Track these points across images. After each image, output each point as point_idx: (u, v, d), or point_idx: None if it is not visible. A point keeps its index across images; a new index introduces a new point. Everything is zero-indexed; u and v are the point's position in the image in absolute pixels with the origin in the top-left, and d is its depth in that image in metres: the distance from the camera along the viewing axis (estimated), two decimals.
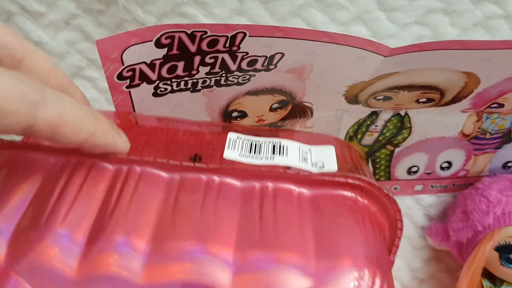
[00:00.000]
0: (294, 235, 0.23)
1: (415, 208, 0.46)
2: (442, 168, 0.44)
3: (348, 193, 0.26)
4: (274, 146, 0.30)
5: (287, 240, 0.23)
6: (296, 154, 0.29)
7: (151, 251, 0.23)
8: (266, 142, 0.30)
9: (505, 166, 0.44)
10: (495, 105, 0.38)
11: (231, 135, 0.30)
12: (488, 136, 0.41)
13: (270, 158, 0.29)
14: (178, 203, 0.25)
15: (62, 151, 0.26)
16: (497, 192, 0.42)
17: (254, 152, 0.29)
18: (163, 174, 0.26)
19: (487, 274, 0.44)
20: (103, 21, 0.37)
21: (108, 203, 0.24)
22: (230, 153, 0.28)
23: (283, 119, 0.37)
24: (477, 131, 0.41)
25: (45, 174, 0.25)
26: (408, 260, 0.48)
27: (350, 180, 0.26)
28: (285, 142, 0.30)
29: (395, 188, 0.45)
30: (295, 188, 0.26)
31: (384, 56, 0.29)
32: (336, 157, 0.30)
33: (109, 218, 0.23)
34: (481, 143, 0.42)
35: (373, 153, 0.41)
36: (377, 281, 0.22)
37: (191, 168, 0.26)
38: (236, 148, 0.29)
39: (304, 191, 0.26)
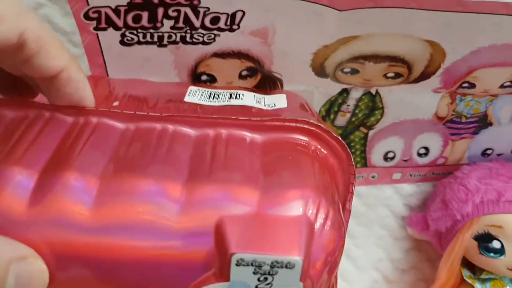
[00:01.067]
0: (244, 171, 0.24)
1: (395, 198, 0.46)
2: (419, 155, 0.43)
3: (299, 136, 0.26)
4: (231, 94, 0.31)
5: (236, 175, 0.23)
6: (250, 99, 0.31)
7: (99, 190, 0.23)
8: (224, 92, 0.32)
9: (484, 153, 0.44)
10: (467, 84, 0.38)
11: (192, 87, 0.31)
12: (463, 120, 0.41)
13: (227, 101, 0.30)
14: (131, 147, 0.25)
15: (22, 106, 0.27)
16: (476, 180, 0.41)
17: (213, 98, 0.31)
18: (118, 124, 0.26)
19: (466, 263, 0.43)
20: (69, 10, 0.38)
21: (63, 148, 0.25)
22: (190, 99, 0.29)
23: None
24: (452, 114, 0.40)
25: (2, 127, 0.26)
26: (388, 251, 0.47)
27: (300, 125, 0.26)
28: (242, 91, 0.32)
29: (373, 176, 0.44)
30: (248, 134, 0.26)
31: (339, 10, 0.29)
32: (287, 100, 0.31)
33: (63, 160, 0.24)
34: (457, 127, 0.41)
35: (347, 135, 0.41)
36: (322, 209, 0.22)
37: (145, 117, 0.26)
38: (196, 95, 0.30)
39: (257, 136, 0.26)
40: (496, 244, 0.40)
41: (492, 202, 0.40)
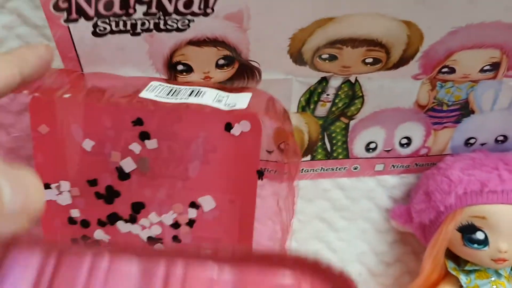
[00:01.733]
0: None
1: (378, 190, 0.45)
2: (401, 145, 0.43)
3: (287, 277, 0.18)
4: (192, 91, 0.31)
5: None
6: (211, 97, 0.30)
7: None
8: (186, 89, 0.31)
9: (467, 143, 0.43)
10: (446, 69, 0.37)
11: (154, 83, 0.31)
12: (445, 107, 0.40)
13: (185, 99, 0.29)
14: None
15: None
16: (459, 171, 0.41)
17: (172, 95, 0.30)
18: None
19: (451, 255, 0.42)
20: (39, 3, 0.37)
21: None
22: (146, 94, 0.28)
23: (231, 79, 0.36)
24: (433, 102, 0.40)
25: None
26: (372, 244, 0.46)
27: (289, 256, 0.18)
28: (205, 89, 0.31)
29: (355, 168, 0.44)
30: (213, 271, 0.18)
31: None
32: (251, 101, 0.30)
33: None
34: (439, 115, 0.41)
35: (328, 126, 0.40)
36: None
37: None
38: (155, 90, 0.29)
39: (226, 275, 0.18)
40: (480, 235, 0.40)
41: (475, 193, 0.39)
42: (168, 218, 0.39)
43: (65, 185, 0.38)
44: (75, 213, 0.39)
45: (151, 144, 0.36)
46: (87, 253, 0.17)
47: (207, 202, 0.38)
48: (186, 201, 0.38)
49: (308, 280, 0.17)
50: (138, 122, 0.35)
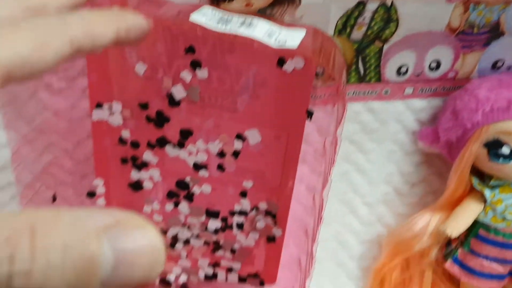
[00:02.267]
0: None
1: (406, 113, 0.47)
2: (431, 69, 0.45)
3: None
4: (244, 21, 0.30)
5: None
6: (263, 30, 0.30)
7: None
8: (237, 18, 0.31)
9: (494, 66, 0.45)
10: None
11: (206, 8, 0.31)
12: (475, 30, 0.42)
13: (236, 29, 0.29)
14: None
15: None
16: (486, 90, 0.43)
17: (222, 23, 0.30)
18: None
19: (476, 172, 0.45)
20: None
21: None
22: (197, 17, 0.29)
23: (272, 5, 0.38)
24: (464, 25, 0.41)
25: None
26: (399, 165, 0.49)
27: None
28: (257, 20, 0.31)
29: (386, 92, 0.46)
30: None
31: None
32: (303, 40, 0.30)
33: None
34: (469, 38, 0.42)
35: (362, 50, 0.42)
36: None
37: None
38: (205, 16, 0.30)
39: None
40: (505, 150, 0.42)
41: (501, 110, 0.42)
42: (214, 147, 0.40)
43: (117, 106, 0.39)
44: (125, 134, 0.41)
45: (202, 73, 0.37)
46: None
47: (253, 136, 0.39)
48: (232, 133, 0.39)
49: None
50: (190, 50, 0.36)
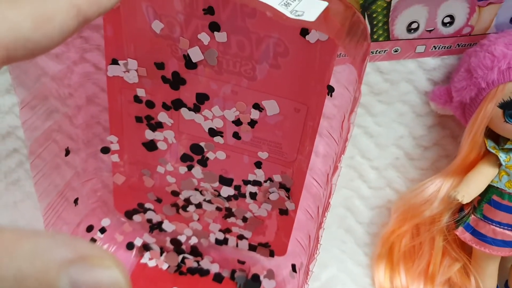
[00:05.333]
0: None
1: (418, 73, 0.44)
2: (444, 24, 0.42)
3: None
4: None
5: None
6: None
7: None
8: None
9: None
10: None
11: None
12: None
13: None
14: None
15: None
16: (503, 46, 0.40)
17: None
18: None
19: (490, 135, 0.43)
20: None
21: None
22: None
23: None
24: None
25: None
26: (411, 127, 0.46)
27: None
28: None
29: (396, 51, 0.43)
30: None
31: None
32: (324, 14, 0.28)
33: None
34: None
35: (369, 6, 0.40)
36: None
37: None
38: None
39: None
40: None
41: None
42: (231, 114, 0.39)
43: (132, 63, 0.38)
44: (141, 92, 0.39)
45: (221, 36, 0.35)
46: None
47: (271, 106, 0.38)
48: (250, 101, 0.38)
49: None
50: (209, 11, 0.34)
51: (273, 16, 0.27)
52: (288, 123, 0.38)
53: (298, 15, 0.28)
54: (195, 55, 0.36)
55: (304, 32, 0.33)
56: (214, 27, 0.35)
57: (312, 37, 0.33)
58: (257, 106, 0.38)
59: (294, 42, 0.34)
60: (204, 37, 0.35)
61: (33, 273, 0.13)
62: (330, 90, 0.35)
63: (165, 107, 0.40)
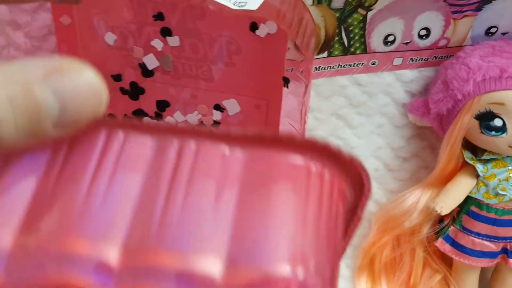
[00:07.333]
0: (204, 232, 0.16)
1: (396, 85, 0.45)
2: (420, 37, 0.42)
3: (298, 158, 0.17)
4: None
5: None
6: None
7: None
8: None
9: (488, 32, 0.42)
10: None
11: None
12: None
13: None
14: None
15: None
16: (478, 58, 0.40)
17: None
18: None
19: (468, 146, 0.43)
20: None
21: None
22: None
23: None
24: None
25: None
26: (389, 139, 0.46)
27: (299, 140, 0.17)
28: None
29: (373, 63, 0.43)
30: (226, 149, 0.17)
31: None
32: (267, 1, 0.28)
33: None
34: (459, 3, 0.40)
35: (345, 19, 0.40)
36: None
37: None
38: None
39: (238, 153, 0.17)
40: (497, 122, 0.40)
41: (494, 79, 0.39)
42: (193, 118, 0.39)
43: None
44: None
45: (173, 41, 0.35)
46: (101, 131, 0.17)
47: (232, 105, 0.38)
48: (210, 103, 0.38)
49: (318, 162, 0.17)
50: (159, 16, 0.34)
51: (216, 9, 0.28)
52: (251, 120, 0.39)
53: (241, 5, 0.29)
54: (151, 62, 0.37)
55: (254, 27, 0.34)
56: (166, 32, 0.35)
57: (261, 31, 0.34)
58: (218, 107, 0.38)
59: (245, 39, 0.35)
60: (157, 43, 0.36)
61: (19, 92, 0.15)
62: (286, 81, 0.36)
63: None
